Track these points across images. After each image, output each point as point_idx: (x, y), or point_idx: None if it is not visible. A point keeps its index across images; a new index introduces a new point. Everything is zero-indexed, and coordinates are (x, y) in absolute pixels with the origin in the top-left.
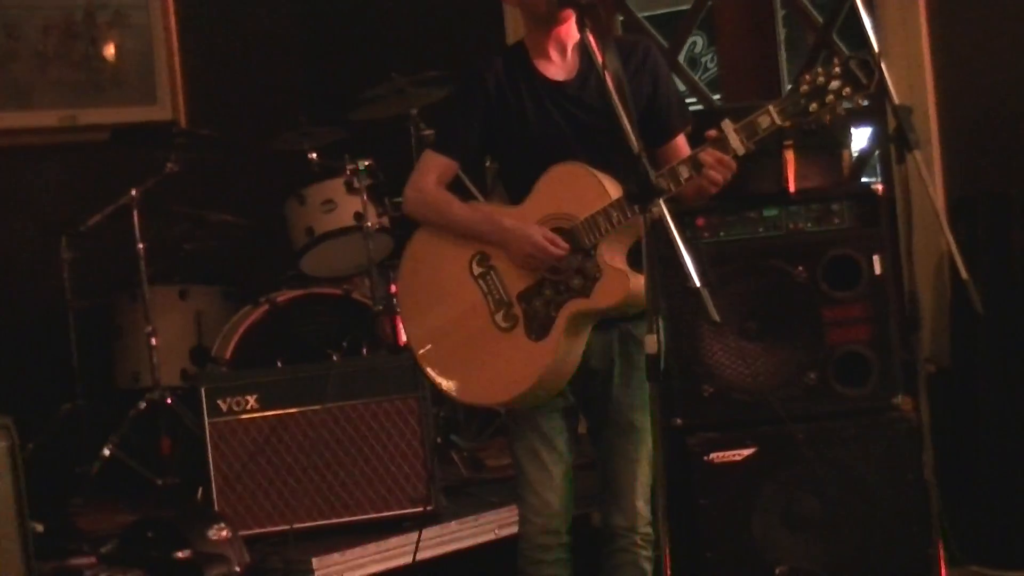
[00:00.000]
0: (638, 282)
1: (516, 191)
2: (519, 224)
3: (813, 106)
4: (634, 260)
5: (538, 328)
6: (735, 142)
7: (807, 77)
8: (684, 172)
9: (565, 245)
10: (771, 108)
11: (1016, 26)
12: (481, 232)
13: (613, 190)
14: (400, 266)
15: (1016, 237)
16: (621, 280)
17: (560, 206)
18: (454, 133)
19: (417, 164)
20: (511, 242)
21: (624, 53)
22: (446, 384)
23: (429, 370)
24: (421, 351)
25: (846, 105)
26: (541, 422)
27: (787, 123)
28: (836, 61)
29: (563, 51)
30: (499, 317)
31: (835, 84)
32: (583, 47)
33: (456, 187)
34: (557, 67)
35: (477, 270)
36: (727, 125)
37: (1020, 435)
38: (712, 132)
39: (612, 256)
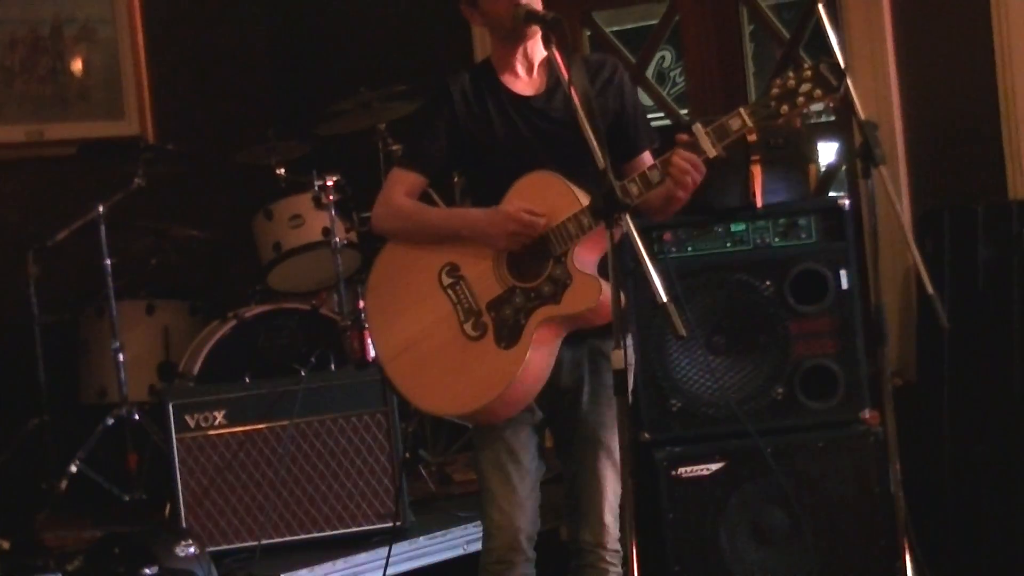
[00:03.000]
0: (609, 290)
1: (485, 204)
2: (490, 209)
3: (784, 108)
4: (602, 271)
5: (508, 336)
6: (706, 144)
7: (777, 81)
8: (655, 176)
9: (543, 214)
10: (742, 110)
11: (981, 43)
12: (455, 229)
13: (584, 197)
14: (368, 279)
15: (981, 252)
16: (591, 286)
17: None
18: (421, 148)
19: (385, 181)
20: (491, 227)
21: (592, 70)
22: (415, 396)
23: (397, 382)
24: (389, 363)
25: (816, 108)
26: (508, 436)
27: (758, 125)
28: (806, 65)
29: (530, 67)
30: (468, 326)
31: (805, 87)
32: (550, 63)
33: (424, 201)
34: (524, 82)
35: (446, 280)
36: (698, 128)
37: (985, 448)
38: (683, 136)
39: (583, 263)
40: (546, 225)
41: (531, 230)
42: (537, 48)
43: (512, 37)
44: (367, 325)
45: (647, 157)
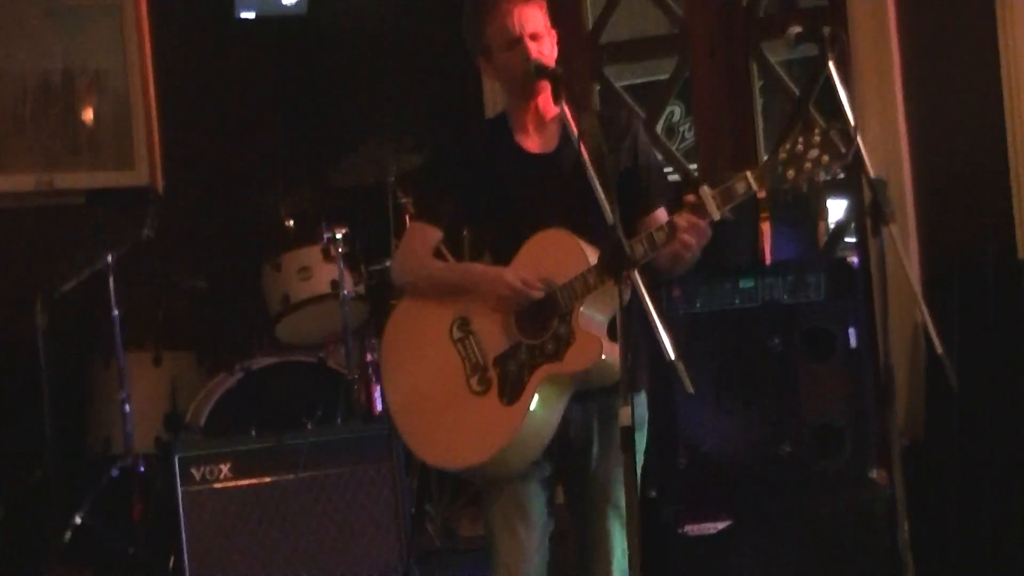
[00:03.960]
0: (612, 350)
1: (496, 260)
2: (492, 268)
3: (791, 173)
4: (612, 331)
5: (510, 391)
6: (712, 207)
7: (786, 145)
8: (661, 237)
9: (540, 286)
10: (748, 174)
11: (992, 100)
12: (456, 282)
13: (594, 256)
14: (384, 330)
15: (990, 311)
16: (593, 345)
17: (541, 271)
18: (434, 201)
19: (403, 236)
20: (484, 285)
21: (606, 124)
22: (420, 449)
23: (404, 434)
24: (397, 415)
25: (824, 174)
26: (517, 490)
27: (764, 189)
28: (815, 130)
29: (542, 123)
30: (474, 381)
31: (814, 152)
32: (562, 119)
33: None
34: (536, 139)
35: (457, 335)
36: (705, 191)
37: (994, 509)
38: (690, 197)
39: (588, 322)
40: (540, 293)
41: (520, 297)
42: (550, 103)
43: (524, 92)
44: (378, 376)
45: (662, 213)
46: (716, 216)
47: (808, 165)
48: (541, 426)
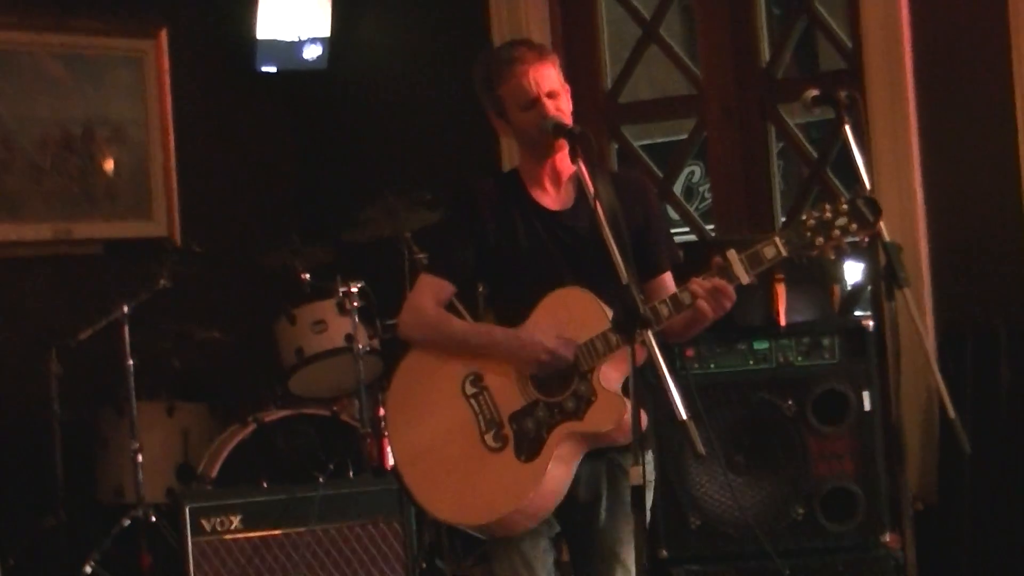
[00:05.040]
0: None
1: (506, 316)
2: (522, 332)
3: (819, 240)
4: (626, 389)
5: (528, 449)
6: (740, 271)
7: (813, 212)
8: (686, 299)
9: (572, 348)
10: (777, 239)
11: (1008, 164)
12: (481, 346)
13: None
14: (391, 382)
15: (1004, 374)
16: (615, 404)
17: (559, 328)
18: (448, 255)
19: (413, 286)
20: (521, 351)
21: (618, 186)
22: (429, 503)
23: (412, 488)
24: (405, 468)
25: (850, 241)
26: (525, 548)
27: (791, 254)
28: (842, 198)
29: (558, 181)
30: (489, 437)
31: (841, 220)
32: (577, 177)
33: (449, 311)
34: (551, 197)
35: (470, 390)
36: (732, 254)
37: (1006, 574)
38: (718, 259)
39: (608, 381)
40: (575, 355)
41: (560, 362)
42: (566, 162)
43: (540, 150)
44: (386, 427)
45: (668, 278)
46: (745, 280)
47: (836, 232)
48: (557, 484)
